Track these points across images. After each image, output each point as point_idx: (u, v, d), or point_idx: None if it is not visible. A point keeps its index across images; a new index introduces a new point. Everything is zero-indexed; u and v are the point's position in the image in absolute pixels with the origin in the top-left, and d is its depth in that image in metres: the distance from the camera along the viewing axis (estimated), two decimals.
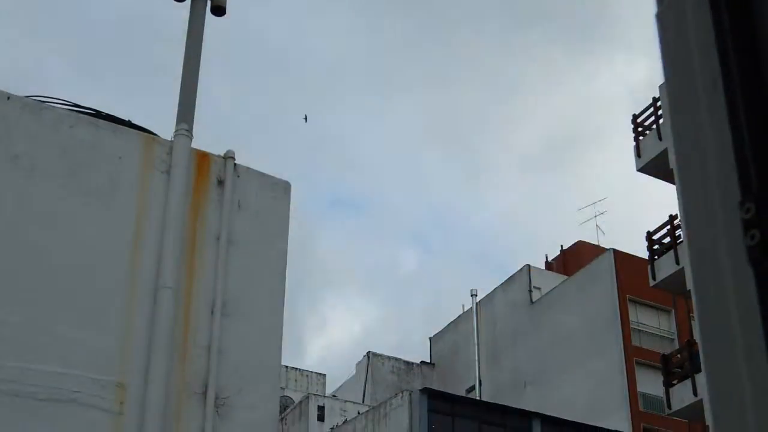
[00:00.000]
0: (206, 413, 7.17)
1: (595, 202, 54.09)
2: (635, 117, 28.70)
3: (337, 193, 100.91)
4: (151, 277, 7.31)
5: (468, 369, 46.07)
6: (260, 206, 8.14)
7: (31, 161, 7.25)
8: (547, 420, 33.51)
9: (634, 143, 28.26)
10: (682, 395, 25.77)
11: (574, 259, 46.59)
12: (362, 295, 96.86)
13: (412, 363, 50.72)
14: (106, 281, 7.21)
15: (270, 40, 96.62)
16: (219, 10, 8.66)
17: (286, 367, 50.83)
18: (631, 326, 39.21)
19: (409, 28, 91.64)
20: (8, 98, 7.34)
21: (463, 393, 42.29)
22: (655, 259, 27.33)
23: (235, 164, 8.11)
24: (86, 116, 7.76)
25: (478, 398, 40.79)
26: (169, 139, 7.89)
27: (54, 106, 7.66)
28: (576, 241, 49.00)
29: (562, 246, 49.66)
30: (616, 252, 40.68)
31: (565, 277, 44.42)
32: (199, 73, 8.29)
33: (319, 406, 43.48)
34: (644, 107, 28.71)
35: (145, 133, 7.94)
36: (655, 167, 27.21)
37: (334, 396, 47.84)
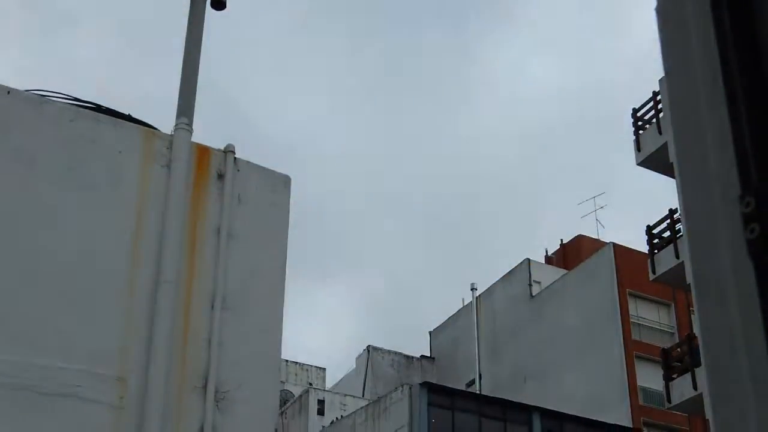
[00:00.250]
0: (206, 407, 7.18)
1: (595, 196, 54.10)
2: (635, 111, 28.67)
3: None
4: (151, 271, 7.31)
5: (468, 363, 46.12)
6: (260, 200, 8.14)
7: (31, 155, 7.25)
8: (547, 414, 33.54)
9: (633, 137, 28.26)
10: (681, 389, 25.81)
11: (574, 253, 46.63)
12: (363, 289, 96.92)
13: (412, 357, 50.77)
14: (106, 275, 7.21)
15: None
16: (219, 5, 8.67)
17: (287, 361, 50.90)
18: (631, 320, 39.24)
19: None
20: (8, 92, 7.34)
21: (463, 387, 42.33)
22: (655, 253, 27.34)
23: (235, 158, 8.10)
24: (86, 110, 7.75)
25: (478, 392, 40.82)
26: (169, 133, 7.89)
27: (54, 100, 7.66)
28: (576, 235, 49.04)
29: (561, 240, 49.72)
30: (616, 246, 40.71)
31: (565, 271, 44.43)
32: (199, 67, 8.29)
33: (319, 400, 43.56)
34: (644, 101, 28.72)
35: (145, 127, 7.94)
36: (655, 161, 27.21)
37: (334, 390, 47.90)
